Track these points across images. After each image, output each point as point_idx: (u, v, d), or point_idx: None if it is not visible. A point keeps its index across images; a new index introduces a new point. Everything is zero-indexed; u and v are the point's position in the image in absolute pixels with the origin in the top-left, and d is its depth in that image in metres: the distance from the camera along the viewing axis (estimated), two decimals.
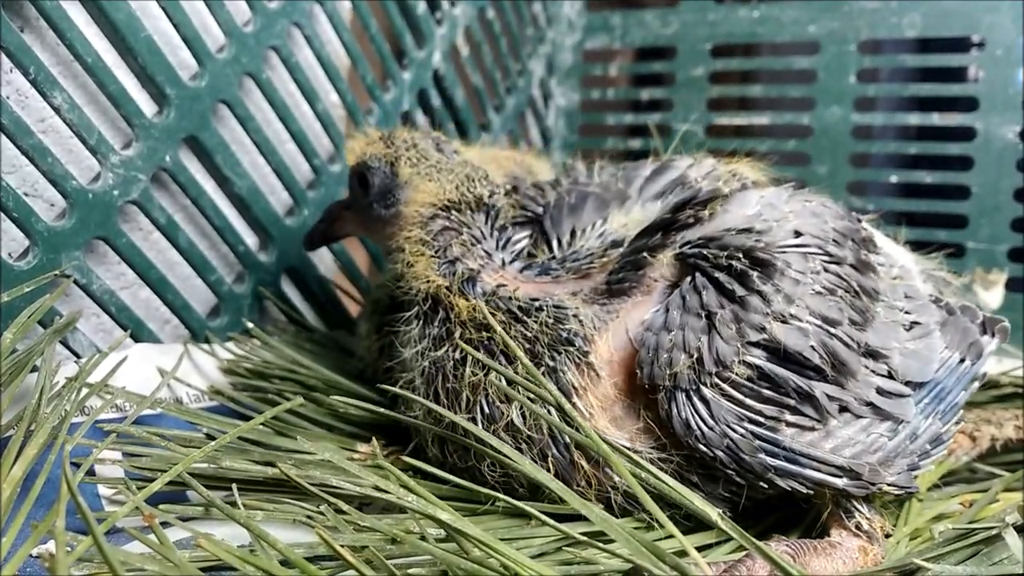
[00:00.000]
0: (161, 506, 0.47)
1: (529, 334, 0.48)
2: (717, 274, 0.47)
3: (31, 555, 0.41)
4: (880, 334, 0.50)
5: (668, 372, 0.45)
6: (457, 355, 0.48)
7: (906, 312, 0.53)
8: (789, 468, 0.45)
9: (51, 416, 0.44)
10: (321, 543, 0.38)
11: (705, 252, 0.48)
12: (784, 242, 0.49)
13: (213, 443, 0.45)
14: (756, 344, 0.46)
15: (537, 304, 0.49)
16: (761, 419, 0.45)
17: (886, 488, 0.46)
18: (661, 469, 0.45)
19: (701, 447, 0.44)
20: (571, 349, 0.47)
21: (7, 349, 0.47)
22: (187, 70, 0.62)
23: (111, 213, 0.57)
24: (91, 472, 0.50)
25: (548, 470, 0.44)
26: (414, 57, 0.85)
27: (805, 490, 0.45)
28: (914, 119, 0.94)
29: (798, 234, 0.50)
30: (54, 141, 0.55)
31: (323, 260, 0.79)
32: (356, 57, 0.77)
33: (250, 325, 0.68)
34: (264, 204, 0.70)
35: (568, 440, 0.44)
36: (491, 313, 0.48)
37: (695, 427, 0.44)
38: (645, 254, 0.50)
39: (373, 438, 0.54)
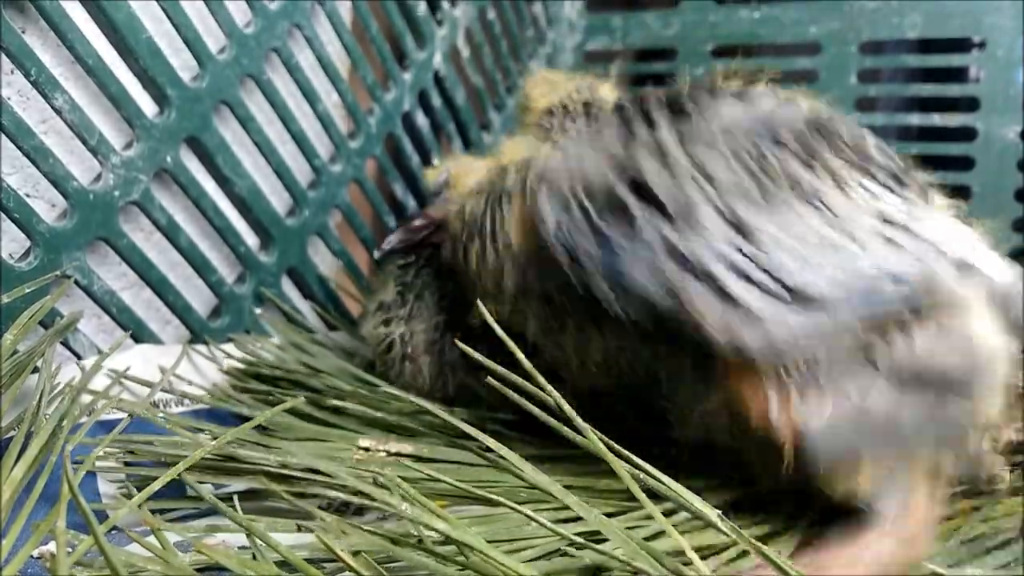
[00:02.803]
0: (161, 511, 0.47)
1: None
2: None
3: (32, 556, 0.41)
4: (773, 216, 0.43)
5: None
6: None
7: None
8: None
9: (52, 417, 0.45)
10: (316, 548, 0.38)
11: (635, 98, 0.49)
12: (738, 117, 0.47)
13: (212, 444, 0.45)
14: (623, 172, 0.45)
15: None
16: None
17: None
18: None
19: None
20: None
21: (8, 350, 0.47)
22: (188, 71, 0.62)
23: (112, 214, 0.57)
24: (92, 473, 0.50)
25: None
26: (415, 58, 0.85)
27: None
28: (915, 120, 0.94)
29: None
30: (55, 142, 0.55)
31: (324, 260, 0.79)
32: (357, 58, 0.77)
33: (257, 309, 0.68)
34: (265, 204, 0.70)
35: None
36: None
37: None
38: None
39: (369, 440, 0.54)
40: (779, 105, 0.48)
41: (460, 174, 0.67)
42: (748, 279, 0.41)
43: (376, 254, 0.66)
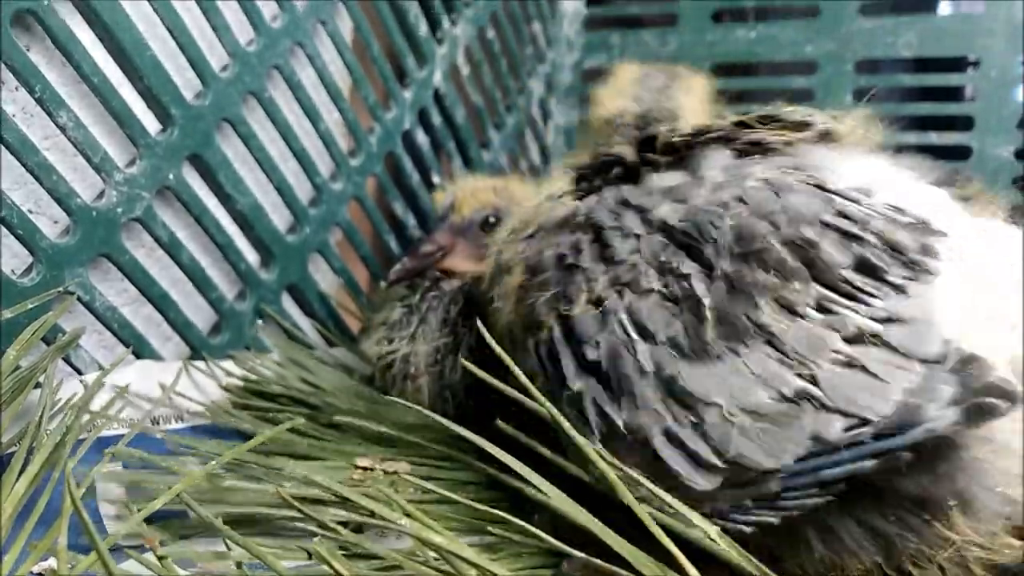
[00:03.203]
0: (161, 530, 0.47)
1: None
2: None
3: (32, 572, 0.41)
4: (711, 377, 0.38)
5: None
6: None
7: (804, 371, 0.37)
8: None
9: (54, 433, 0.45)
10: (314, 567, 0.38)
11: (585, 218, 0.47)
12: (665, 218, 0.42)
13: (213, 463, 0.45)
14: (562, 316, 0.43)
15: None
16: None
17: None
18: None
19: None
20: None
21: (10, 366, 0.47)
22: (191, 89, 0.63)
23: (114, 230, 0.58)
24: (92, 490, 0.50)
25: None
26: (415, 76, 0.85)
27: None
28: (911, 138, 0.95)
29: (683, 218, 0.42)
30: (59, 159, 0.56)
31: (324, 277, 0.79)
32: (358, 76, 0.78)
33: (258, 326, 0.68)
34: (266, 221, 0.70)
35: None
36: None
37: None
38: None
39: (367, 459, 0.54)
40: (711, 195, 0.43)
41: (465, 197, 0.67)
42: (687, 453, 0.38)
43: (384, 284, 0.66)
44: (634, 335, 0.39)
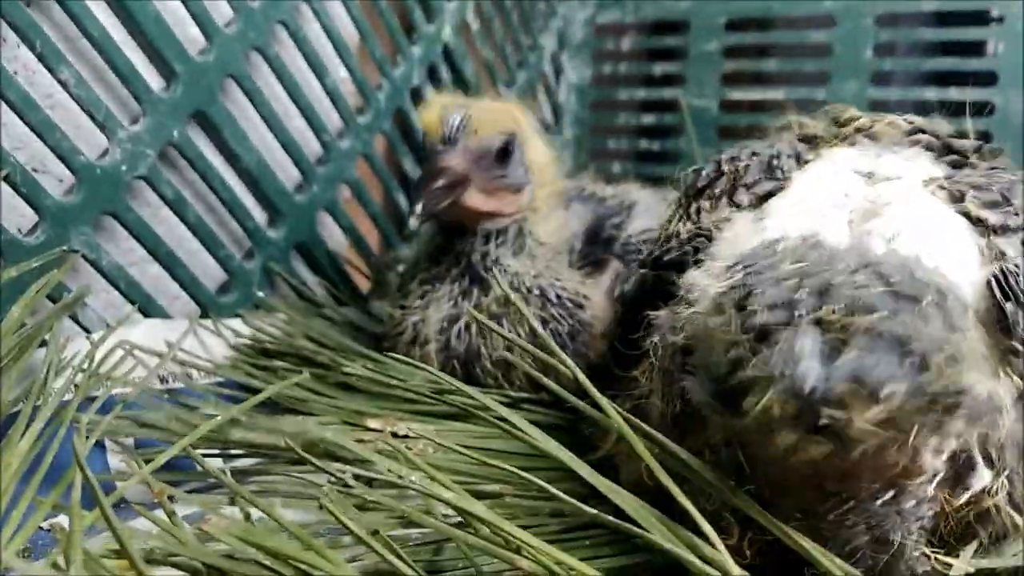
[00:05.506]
0: (172, 484, 0.47)
1: None
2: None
3: (41, 527, 0.41)
4: None
5: None
6: None
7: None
8: None
9: (60, 390, 0.45)
10: (325, 523, 0.38)
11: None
12: None
13: (219, 417, 0.45)
14: None
15: None
16: None
17: None
18: None
19: None
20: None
21: (16, 324, 0.47)
22: (194, 44, 0.62)
23: (119, 188, 0.57)
24: (100, 446, 0.50)
25: None
26: (424, 31, 0.84)
27: None
28: (931, 94, 0.93)
29: None
30: (62, 117, 0.55)
31: (332, 235, 0.78)
32: (365, 31, 0.76)
33: (260, 293, 0.68)
34: (273, 179, 0.70)
35: None
36: None
37: None
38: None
39: (379, 421, 0.54)
40: None
41: (482, 117, 0.58)
42: None
43: (413, 222, 0.59)
44: None
